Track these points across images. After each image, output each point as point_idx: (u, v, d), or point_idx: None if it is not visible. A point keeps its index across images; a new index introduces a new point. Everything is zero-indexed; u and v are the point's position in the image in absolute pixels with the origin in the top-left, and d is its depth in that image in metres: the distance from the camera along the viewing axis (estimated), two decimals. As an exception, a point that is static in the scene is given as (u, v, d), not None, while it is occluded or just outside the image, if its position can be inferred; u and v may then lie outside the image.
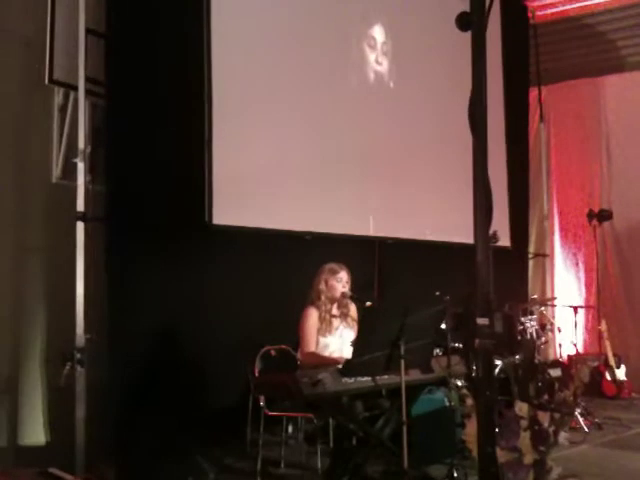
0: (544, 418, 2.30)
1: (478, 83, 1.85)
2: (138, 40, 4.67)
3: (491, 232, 2.59)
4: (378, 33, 6.28)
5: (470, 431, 2.24)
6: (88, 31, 4.49)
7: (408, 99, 6.46)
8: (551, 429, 2.29)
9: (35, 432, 4.51)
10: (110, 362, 4.40)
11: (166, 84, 4.78)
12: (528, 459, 2.24)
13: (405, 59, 6.47)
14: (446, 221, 6.45)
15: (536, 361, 5.34)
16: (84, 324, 4.27)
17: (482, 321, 1.73)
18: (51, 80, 4.63)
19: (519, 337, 5.67)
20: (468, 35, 2.04)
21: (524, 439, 2.25)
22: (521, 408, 2.26)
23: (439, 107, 6.58)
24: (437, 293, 4.11)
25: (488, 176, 1.83)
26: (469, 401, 2.29)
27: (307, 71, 5.64)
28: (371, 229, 5.99)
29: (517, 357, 4.89)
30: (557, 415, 2.26)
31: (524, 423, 2.26)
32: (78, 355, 4.21)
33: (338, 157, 5.74)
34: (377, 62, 6.26)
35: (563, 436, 2.33)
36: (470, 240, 5.78)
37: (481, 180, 1.82)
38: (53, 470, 3.21)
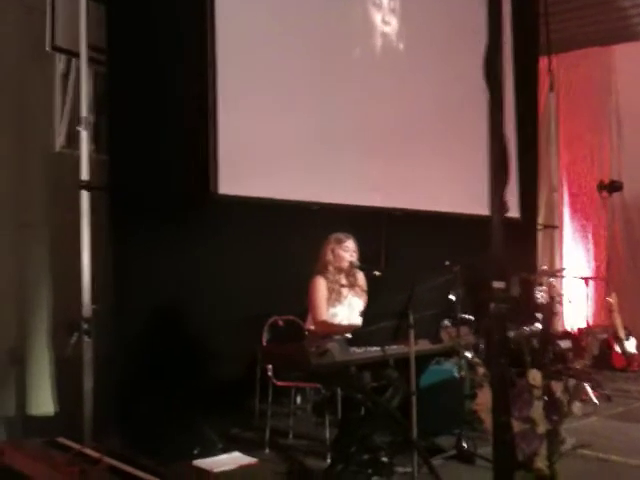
0: (557, 388, 2.26)
1: (493, 34, 1.77)
2: (139, 6, 4.58)
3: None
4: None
5: (482, 400, 2.21)
6: (89, -3, 4.40)
7: (420, 63, 6.32)
8: (565, 399, 2.25)
9: (43, 402, 4.50)
10: (117, 333, 4.39)
11: (170, 51, 4.69)
12: (541, 429, 2.21)
13: (416, 17, 6.27)
14: (454, 192, 6.39)
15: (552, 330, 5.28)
16: (90, 294, 4.24)
17: (497, 284, 1.68)
18: (53, 47, 4.55)
19: (537, 304, 5.61)
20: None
21: (537, 409, 2.21)
22: (534, 377, 2.22)
23: (453, 71, 6.43)
24: (446, 263, 4.06)
25: (504, 133, 1.76)
26: (481, 370, 2.25)
27: (314, 37, 5.53)
28: (378, 200, 5.92)
29: (534, 325, 4.84)
30: (571, 384, 2.22)
31: (537, 392, 2.22)
32: (85, 325, 4.20)
33: (346, 126, 5.65)
34: (384, 22, 6.11)
35: (577, 406, 2.29)
36: (478, 211, 5.69)
37: (497, 137, 1.75)
38: (61, 440, 3.20)
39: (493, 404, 1.62)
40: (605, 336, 7.13)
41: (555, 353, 4.93)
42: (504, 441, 1.62)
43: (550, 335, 5.18)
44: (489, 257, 1.72)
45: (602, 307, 7.76)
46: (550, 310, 5.78)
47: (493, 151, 1.77)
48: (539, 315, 5.14)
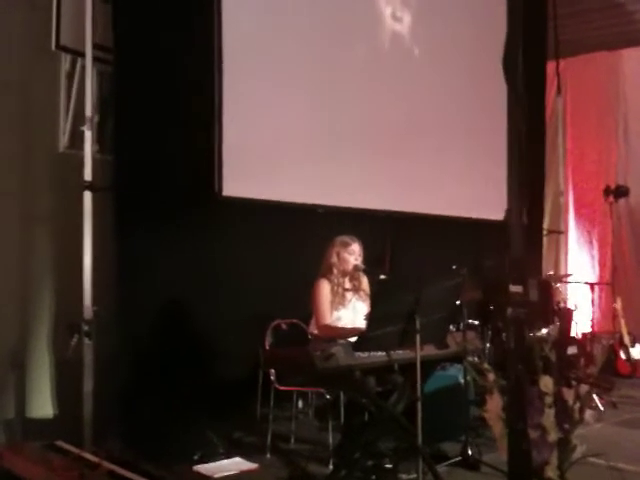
0: (569, 395, 2.21)
1: (514, 27, 1.73)
2: (145, 5, 4.55)
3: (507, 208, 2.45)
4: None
5: (491, 407, 2.16)
6: (95, -5, 4.37)
7: (432, 61, 6.26)
8: (576, 406, 2.20)
9: (43, 405, 4.47)
10: (118, 334, 4.35)
11: (176, 52, 4.65)
12: (552, 437, 2.15)
13: (428, 11, 6.18)
14: (461, 196, 6.34)
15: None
16: (92, 296, 4.20)
17: (515, 288, 1.62)
18: (58, 46, 4.52)
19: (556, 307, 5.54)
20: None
21: (548, 416, 2.16)
22: (546, 384, 2.17)
23: (467, 70, 6.40)
24: (453, 267, 4.01)
25: (523, 129, 1.71)
26: (491, 376, 2.20)
27: (320, 39, 5.49)
28: (383, 203, 5.87)
29: (551, 328, 4.78)
30: (583, 391, 2.17)
31: (548, 400, 2.16)
32: (86, 327, 4.15)
33: (353, 128, 5.61)
34: (395, 16, 6.04)
35: (589, 413, 2.24)
36: (484, 215, 5.61)
37: (516, 134, 1.70)
38: (60, 443, 3.16)
39: (508, 411, 1.57)
40: (610, 342, 7.06)
41: (564, 359, 4.86)
42: (520, 450, 1.57)
43: (567, 340, 5.12)
44: (508, 260, 1.67)
45: (606, 313, 7.70)
46: (568, 315, 5.72)
47: (511, 150, 1.73)
48: (556, 320, 5.08)
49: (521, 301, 1.62)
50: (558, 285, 6.73)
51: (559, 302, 6.27)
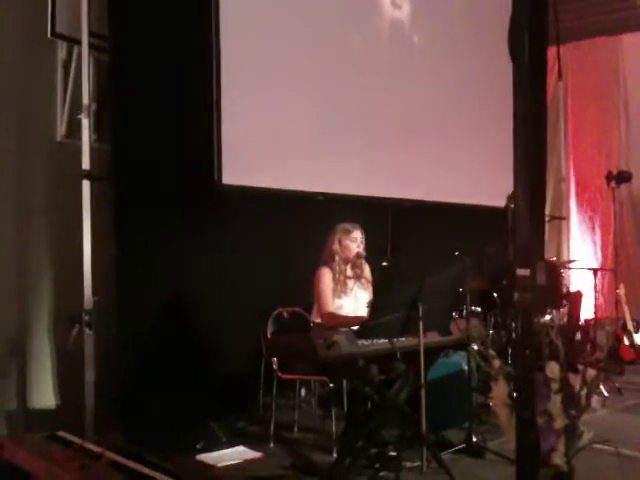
0: (575, 381, 2.19)
1: (519, 6, 1.68)
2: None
3: (510, 193, 2.43)
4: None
5: (497, 394, 2.14)
6: (90, -18, 4.31)
7: (433, 47, 6.21)
8: (583, 392, 2.18)
9: (44, 395, 4.45)
10: (119, 325, 4.33)
11: (172, 39, 4.60)
12: (559, 423, 2.13)
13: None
14: (462, 183, 6.30)
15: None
16: (92, 286, 4.17)
17: (522, 272, 1.59)
18: (53, 33, 4.47)
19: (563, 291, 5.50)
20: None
21: (555, 402, 2.13)
22: (552, 370, 2.14)
23: (468, 58, 6.35)
24: (456, 253, 3.98)
25: (530, 109, 1.67)
26: (496, 363, 2.18)
27: (318, 25, 5.43)
28: (385, 190, 5.83)
29: (555, 314, 4.76)
30: (590, 377, 2.15)
31: (555, 386, 2.14)
32: (86, 317, 4.12)
33: (353, 115, 5.57)
34: (395, 4, 5.99)
35: (595, 400, 2.22)
36: (483, 202, 5.56)
37: (521, 113, 1.65)
38: (62, 433, 3.13)
39: (516, 398, 1.54)
40: (614, 328, 7.04)
41: (573, 344, 4.83)
42: (528, 437, 1.54)
43: (576, 325, 5.09)
44: (513, 244, 1.64)
45: (610, 299, 7.66)
46: (577, 299, 5.68)
47: (518, 135, 1.68)
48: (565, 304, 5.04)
49: (528, 285, 1.59)
50: (561, 271, 6.70)
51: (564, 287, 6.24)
